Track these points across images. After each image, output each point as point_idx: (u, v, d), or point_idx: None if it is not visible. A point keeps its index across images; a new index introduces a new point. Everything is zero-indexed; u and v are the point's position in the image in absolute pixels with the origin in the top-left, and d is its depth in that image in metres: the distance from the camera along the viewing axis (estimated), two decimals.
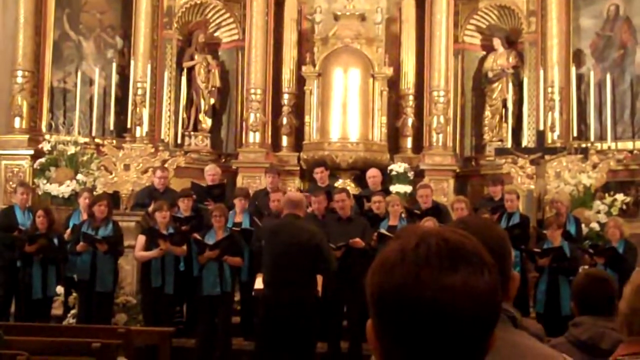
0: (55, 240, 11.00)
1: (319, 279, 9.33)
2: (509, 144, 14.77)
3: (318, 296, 9.76)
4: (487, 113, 15.82)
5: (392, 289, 1.48)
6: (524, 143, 14.74)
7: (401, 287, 1.47)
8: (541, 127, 14.29)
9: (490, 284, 1.49)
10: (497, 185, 12.53)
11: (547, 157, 12.88)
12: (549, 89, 14.64)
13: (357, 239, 10.60)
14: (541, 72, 14.82)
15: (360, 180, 14.26)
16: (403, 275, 1.47)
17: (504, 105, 15.52)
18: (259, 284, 9.09)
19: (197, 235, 10.89)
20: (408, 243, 1.51)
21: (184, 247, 10.91)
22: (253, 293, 9.95)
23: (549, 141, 14.07)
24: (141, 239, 10.92)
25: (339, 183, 14.40)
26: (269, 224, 9.90)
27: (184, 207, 11.61)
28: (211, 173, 12.96)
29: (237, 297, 11.15)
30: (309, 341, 8.62)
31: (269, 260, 8.76)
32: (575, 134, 14.58)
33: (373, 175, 13.04)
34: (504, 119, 15.55)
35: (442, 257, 1.48)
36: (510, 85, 15.37)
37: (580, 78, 14.97)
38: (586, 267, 10.78)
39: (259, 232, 9.75)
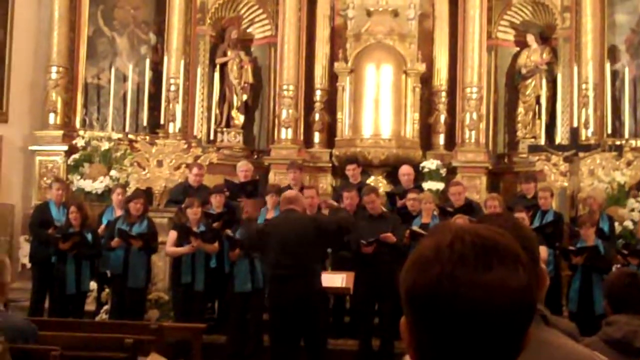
0: (89, 236, 11.08)
1: (349, 276, 9.34)
2: (542, 141, 14.68)
3: (349, 293, 9.79)
4: (520, 110, 15.73)
5: (426, 286, 1.47)
6: (558, 140, 14.64)
7: (436, 285, 1.46)
8: (575, 124, 14.18)
9: (525, 282, 1.48)
10: (529, 183, 12.46)
11: (580, 154, 12.78)
12: (583, 86, 14.53)
13: (389, 234, 10.59)
14: (575, 69, 14.71)
15: (392, 176, 14.22)
16: (437, 272, 1.47)
17: (538, 102, 15.42)
18: (336, 282, 9.11)
19: (229, 232, 10.93)
20: (443, 240, 1.50)
21: (216, 244, 10.94)
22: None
23: (583, 138, 13.96)
24: (172, 234, 10.98)
25: (371, 180, 14.37)
26: (264, 222, 9.93)
27: (216, 203, 11.64)
28: (243, 169, 12.98)
29: None
30: (320, 331, 8.65)
31: (270, 256, 8.76)
32: (609, 131, 14.46)
33: (407, 172, 13.00)
34: (537, 116, 15.45)
35: (477, 254, 1.47)
36: (544, 81, 15.27)
37: (614, 74, 14.85)
38: (619, 266, 10.72)
39: (253, 230, 9.69)
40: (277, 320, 8.56)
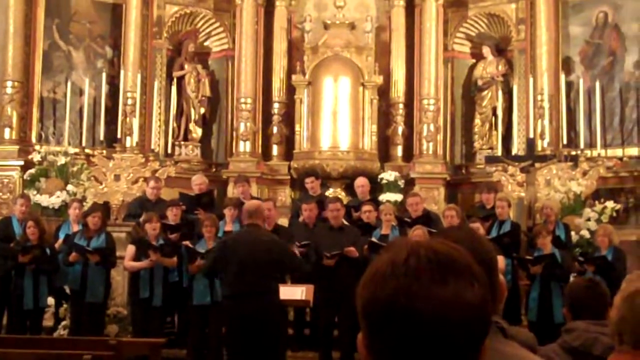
0: (47, 251, 10.98)
1: (309, 288, 9.32)
2: (499, 151, 14.80)
3: (309, 306, 9.78)
4: (477, 121, 15.85)
5: (382, 301, 1.48)
6: (514, 151, 14.76)
7: (391, 300, 1.47)
8: (531, 135, 14.31)
9: (480, 296, 1.49)
10: (490, 193, 12.54)
11: (537, 164, 12.89)
12: (539, 97, 14.66)
13: (352, 248, 10.61)
14: (531, 80, 14.85)
15: (351, 189, 14.25)
16: (393, 287, 1.48)
17: (494, 113, 15.56)
18: (295, 294, 9.04)
19: (188, 243, 10.89)
20: (398, 256, 1.51)
21: (174, 258, 10.89)
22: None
23: (539, 149, 14.09)
24: (131, 248, 10.90)
25: (329, 192, 14.39)
26: (225, 237, 9.86)
27: (172, 216, 11.59)
28: (198, 183, 12.95)
29: None
30: (278, 349, 8.59)
31: (229, 272, 8.65)
32: (565, 142, 14.61)
33: (361, 184, 13.06)
34: (494, 127, 15.59)
35: (432, 270, 1.48)
36: (500, 93, 15.42)
37: (569, 85, 15.00)
38: (576, 274, 10.81)
39: (217, 251, 9.61)
40: (235, 337, 8.49)
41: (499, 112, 15.23)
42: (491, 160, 14.31)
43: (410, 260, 1.50)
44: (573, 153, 14.10)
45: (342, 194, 14.61)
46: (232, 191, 14.73)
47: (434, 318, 1.45)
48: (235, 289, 8.44)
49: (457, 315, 1.46)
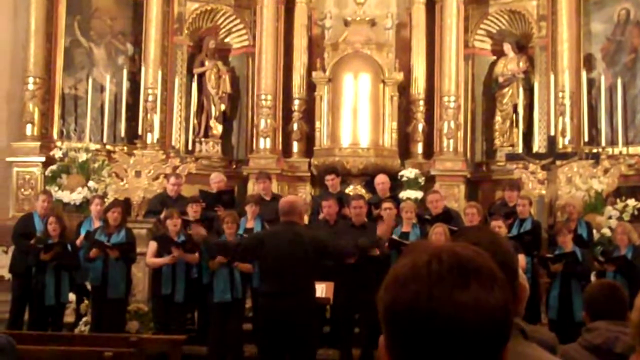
0: (69, 247, 11.05)
1: (329, 286, 9.30)
2: (520, 149, 14.75)
3: (329, 303, 9.76)
4: (498, 118, 15.80)
5: (404, 305, 1.48)
6: (535, 148, 14.71)
7: (413, 304, 1.47)
8: (552, 132, 14.25)
9: (502, 300, 1.49)
10: (513, 191, 12.49)
11: (558, 162, 12.83)
12: (560, 94, 14.62)
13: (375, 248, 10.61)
14: (552, 77, 14.80)
15: (371, 186, 14.22)
16: (415, 291, 1.48)
17: (515, 110, 15.50)
18: (320, 292, 8.85)
19: (206, 236, 10.92)
20: (419, 259, 1.52)
21: (196, 254, 10.93)
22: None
23: (560, 146, 14.04)
24: (153, 245, 10.96)
25: (350, 189, 14.39)
26: (264, 231, 9.74)
27: (192, 212, 11.63)
28: (216, 181, 12.99)
29: (248, 304, 11.14)
30: (310, 349, 8.47)
31: (264, 269, 8.59)
32: (586, 139, 14.55)
33: (382, 181, 13.04)
34: (514, 124, 15.53)
35: (454, 274, 1.48)
36: (521, 90, 15.36)
37: (591, 83, 14.94)
38: (595, 272, 10.79)
39: (252, 240, 9.49)
40: (268, 335, 8.38)
41: (520, 110, 15.17)
42: (512, 157, 14.26)
43: (432, 264, 1.50)
44: (594, 151, 14.04)
45: (362, 191, 14.61)
46: (252, 188, 14.75)
47: (455, 322, 1.45)
48: (272, 288, 8.26)
49: (479, 319, 1.46)
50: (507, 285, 1.53)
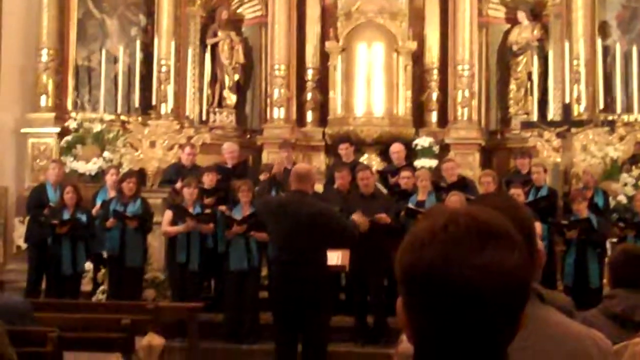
0: (84, 217, 11.12)
1: (345, 254, 9.32)
2: (534, 117, 14.70)
3: (345, 271, 9.79)
4: (513, 86, 15.74)
5: (421, 268, 1.49)
6: (550, 116, 14.67)
7: (431, 267, 1.48)
8: (567, 100, 14.20)
9: (520, 263, 1.50)
10: (524, 158, 12.50)
11: (573, 130, 12.81)
12: (575, 62, 14.53)
13: (383, 215, 10.62)
14: (566, 45, 14.70)
15: (385, 155, 14.23)
16: (432, 255, 1.48)
17: (529, 79, 15.43)
18: (332, 259, 8.78)
19: (224, 209, 10.97)
20: (437, 223, 1.52)
21: (211, 225, 10.97)
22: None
23: (575, 114, 13.99)
24: (168, 214, 11.02)
25: (364, 158, 14.38)
26: (274, 199, 9.63)
27: (208, 181, 11.67)
28: (229, 151, 13.01)
29: (264, 272, 11.18)
30: (323, 317, 8.46)
31: (275, 238, 8.54)
32: (601, 107, 14.47)
33: (397, 150, 13.06)
34: (529, 92, 15.46)
35: (472, 237, 1.49)
36: (536, 58, 15.27)
37: (606, 50, 14.85)
38: (614, 239, 10.78)
39: (259, 206, 9.44)
40: (280, 303, 8.38)
41: (535, 78, 15.10)
42: (527, 125, 14.22)
43: (449, 227, 1.50)
44: (610, 118, 14.00)
45: (376, 160, 14.61)
46: (266, 157, 14.78)
47: (473, 285, 1.46)
48: (281, 256, 8.29)
49: (497, 282, 1.46)
50: (525, 249, 1.53)
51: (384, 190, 11.89)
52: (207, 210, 11.08)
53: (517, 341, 1.54)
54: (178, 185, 11.69)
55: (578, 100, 14.32)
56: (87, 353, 6.14)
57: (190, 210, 10.89)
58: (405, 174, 11.77)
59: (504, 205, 2.20)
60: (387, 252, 10.80)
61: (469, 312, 1.46)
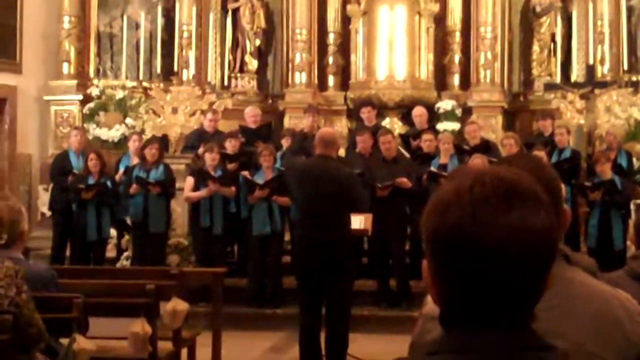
0: (108, 184, 11.18)
1: (368, 217, 9.30)
2: (557, 78, 14.61)
3: (368, 235, 9.78)
4: (536, 48, 15.60)
5: (447, 229, 1.48)
6: (574, 77, 14.57)
7: (457, 228, 1.47)
8: (591, 61, 14.10)
9: (547, 222, 1.48)
10: (546, 120, 12.42)
11: (596, 91, 12.73)
12: (599, 22, 14.39)
13: (404, 179, 10.62)
14: (590, 5, 14.57)
15: (407, 118, 14.19)
16: (458, 215, 1.47)
17: (553, 40, 15.30)
18: (354, 223, 8.78)
19: (247, 174, 10.99)
20: (462, 183, 1.50)
21: (233, 188, 11.01)
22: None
23: (599, 75, 13.89)
24: (190, 180, 11.06)
25: (386, 122, 14.34)
26: (298, 163, 9.60)
27: (230, 147, 11.69)
28: (252, 114, 13.03)
29: (287, 237, 11.21)
30: (346, 281, 8.47)
31: (299, 202, 8.52)
32: (625, 67, 14.35)
33: (419, 114, 13.03)
34: (552, 54, 15.34)
35: (498, 197, 1.47)
36: (559, 19, 15.14)
37: (630, 10, 14.69)
38: (638, 201, 10.74)
39: (285, 170, 9.45)
40: (304, 267, 8.39)
41: (558, 39, 14.97)
42: (550, 87, 14.13)
43: (475, 187, 1.49)
44: (634, 79, 13.88)
45: (398, 124, 14.57)
46: (288, 122, 14.77)
47: (500, 245, 1.45)
48: (305, 220, 8.31)
49: (524, 242, 1.45)
50: (552, 208, 1.52)
51: (406, 154, 11.86)
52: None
53: (543, 301, 1.53)
54: (200, 150, 11.71)
55: (602, 61, 14.21)
56: (112, 318, 6.18)
57: (212, 174, 10.93)
58: (427, 136, 11.74)
59: (530, 166, 2.18)
60: (409, 216, 10.83)
61: (495, 273, 1.45)
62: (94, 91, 14.16)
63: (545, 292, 1.52)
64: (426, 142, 11.67)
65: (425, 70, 15.29)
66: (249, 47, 15.91)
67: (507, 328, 1.48)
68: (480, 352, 1.47)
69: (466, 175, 1.52)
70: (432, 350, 1.53)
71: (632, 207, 10.75)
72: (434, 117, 14.13)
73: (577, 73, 14.75)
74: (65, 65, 14.42)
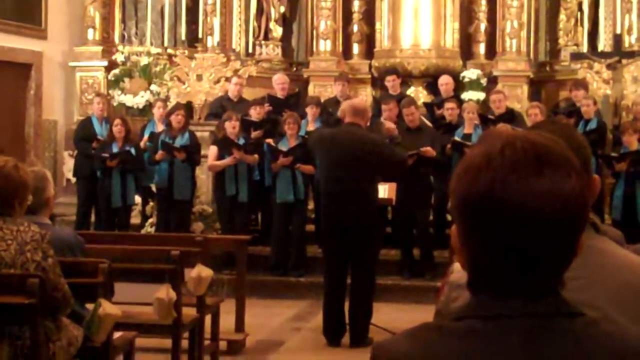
0: (133, 150, 11.21)
1: (392, 186, 9.31)
2: (584, 48, 14.47)
3: (392, 204, 9.78)
4: (562, 17, 15.46)
5: (477, 194, 1.46)
6: (600, 47, 14.43)
7: (487, 192, 1.45)
8: (618, 31, 13.94)
9: (578, 187, 1.47)
10: (579, 90, 12.28)
11: (624, 61, 12.60)
12: None
13: (429, 148, 10.61)
14: None
15: (432, 87, 14.14)
16: (489, 180, 1.46)
17: (580, 9, 15.14)
18: (380, 192, 8.81)
19: (271, 142, 10.99)
20: (493, 147, 1.49)
21: (256, 155, 11.02)
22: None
23: (626, 45, 13.75)
24: (213, 149, 11.07)
25: (411, 91, 14.29)
26: (327, 131, 9.60)
27: (255, 114, 11.70)
28: (280, 82, 13.00)
29: (310, 205, 11.23)
30: (371, 250, 8.49)
31: (325, 170, 8.50)
32: None
33: (445, 82, 12.98)
34: (579, 23, 15.19)
35: (529, 161, 1.46)
36: None
37: None
38: None
39: (312, 139, 9.50)
40: (330, 235, 8.41)
41: (585, 8, 14.82)
42: (576, 57, 14.00)
43: (506, 151, 1.47)
44: None
45: (423, 93, 14.52)
46: (313, 90, 14.74)
47: (530, 210, 1.43)
48: (331, 187, 8.33)
49: (555, 207, 1.44)
50: (583, 174, 1.50)
51: (429, 124, 11.82)
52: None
53: (571, 270, 1.52)
54: (222, 118, 11.71)
55: (629, 31, 14.06)
56: (137, 284, 6.22)
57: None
58: (449, 105, 11.70)
59: (560, 132, 2.16)
60: (433, 186, 10.81)
61: (525, 237, 1.44)
62: (118, 57, 14.17)
63: (574, 259, 1.51)
64: (448, 111, 11.64)
65: (451, 38, 15.20)
66: (273, 14, 15.85)
67: (535, 294, 1.48)
68: (507, 318, 1.46)
69: (497, 139, 1.50)
70: (459, 315, 1.52)
71: None
72: (459, 86, 14.04)
73: (604, 42, 14.60)
74: (90, 31, 14.42)
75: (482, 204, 1.46)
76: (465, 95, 13.83)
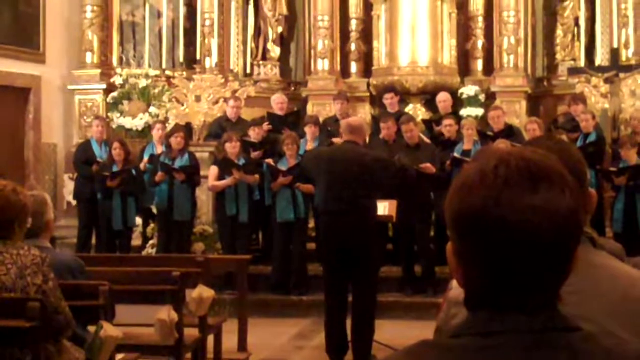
0: (133, 172, 11.22)
1: (392, 204, 9.30)
2: (582, 63, 14.50)
3: (392, 221, 9.78)
4: (559, 32, 15.50)
5: (472, 211, 1.47)
6: (598, 62, 14.45)
7: (481, 209, 1.46)
8: (615, 45, 13.98)
9: (572, 204, 1.47)
10: (578, 104, 12.30)
11: (621, 75, 12.62)
12: (623, 5, 14.25)
13: (428, 164, 10.62)
14: None
15: (430, 104, 14.16)
16: (483, 196, 1.46)
17: (576, 24, 15.18)
18: (379, 210, 8.80)
19: (270, 161, 11.01)
20: (487, 164, 1.50)
21: (257, 176, 11.04)
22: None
23: (624, 59, 13.78)
24: (214, 170, 11.09)
25: (409, 108, 14.31)
26: (325, 150, 9.63)
27: (255, 135, 11.72)
28: (279, 102, 13.05)
29: (311, 224, 11.22)
30: (372, 268, 8.47)
31: (325, 188, 8.42)
32: None
33: (443, 99, 13.02)
34: (576, 38, 15.23)
35: (523, 178, 1.46)
36: (583, 2, 15.01)
37: None
38: None
39: (307, 158, 9.50)
40: (329, 254, 8.40)
41: (582, 23, 14.86)
42: (574, 71, 14.03)
43: (500, 168, 1.48)
44: None
45: (422, 110, 14.53)
46: (311, 109, 14.77)
47: (525, 227, 1.44)
48: (330, 206, 8.29)
49: (549, 223, 1.44)
50: (577, 190, 1.51)
51: (427, 141, 11.83)
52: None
53: (568, 285, 1.53)
54: (222, 139, 11.74)
55: (626, 45, 14.09)
56: (138, 306, 6.21)
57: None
58: (448, 121, 11.73)
59: (555, 148, 2.17)
60: (433, 202, 10.82)
61: (520, 254, 1.45)
62: (117, 80, 14.20)
63: (570, 274, 1.51)
64: (447, 127, 11.66)
65: (449, 55, 15.23)
66: (271, 35, 15.90)
67: (532, 310, 1.48)
68: (505, 334, 1.47)
69: (491, 156, 1.51)
70: (456, 333, 1.52)
71: None
72: (457, 103, 14.07)
73: (601, 57, 14.63)
74: (88, 54, 14.49)
75: (475, 221, 1.46)
76: (464, 112, 13.85)
